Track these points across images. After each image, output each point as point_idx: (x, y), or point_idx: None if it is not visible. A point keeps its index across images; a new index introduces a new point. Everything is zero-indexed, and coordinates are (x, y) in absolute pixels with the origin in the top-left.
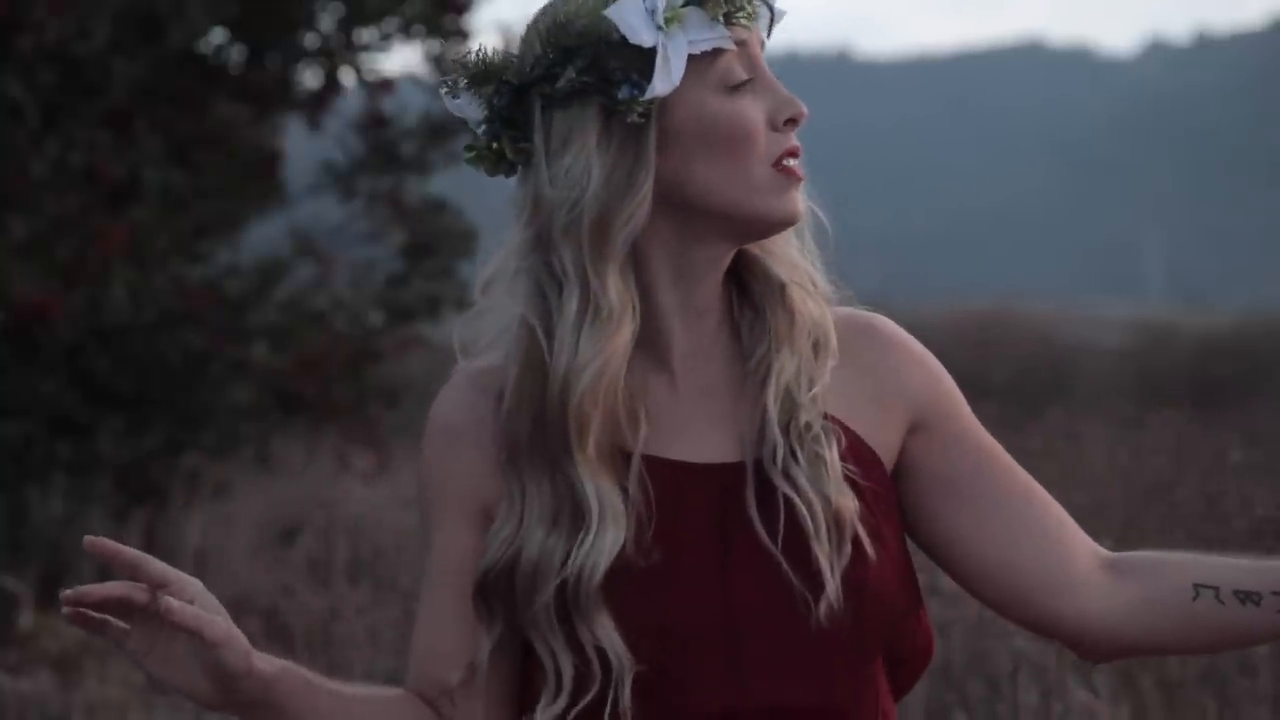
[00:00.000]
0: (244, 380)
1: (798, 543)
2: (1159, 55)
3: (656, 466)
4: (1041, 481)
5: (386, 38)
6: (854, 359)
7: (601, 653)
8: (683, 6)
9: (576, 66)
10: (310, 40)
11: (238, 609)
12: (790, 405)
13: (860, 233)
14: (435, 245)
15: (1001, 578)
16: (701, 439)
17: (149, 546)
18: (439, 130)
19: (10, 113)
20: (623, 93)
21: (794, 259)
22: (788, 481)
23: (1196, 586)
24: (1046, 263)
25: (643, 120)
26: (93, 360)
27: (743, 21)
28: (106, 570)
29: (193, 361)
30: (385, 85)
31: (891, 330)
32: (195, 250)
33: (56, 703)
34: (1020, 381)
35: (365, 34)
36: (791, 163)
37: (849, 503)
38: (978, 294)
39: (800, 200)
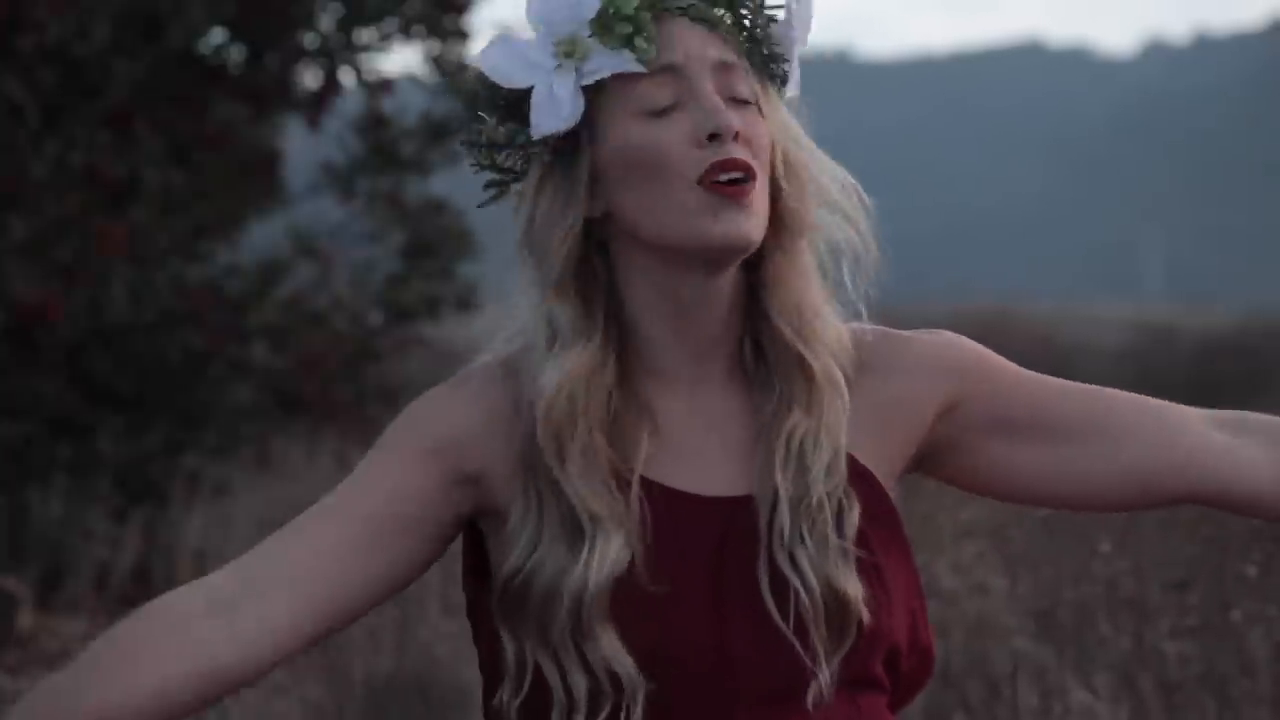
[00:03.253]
0: (244, 380)
1: (798, 621)
2: (1158, 55)
3: (656, 492)
4: None
5: (386, 38)
6: (868, 378)
7: (612, 674)
8: (589, 37)
9: (496, 115)
10: (310, 40)
11: None
12: (802, 480)
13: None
14: (435, 245)
15: (1126, 485)
16: (709, 470)
17: (149, 547)
18: (439, 130)
19: (10, 113)
20: (520, 137)
21: (799, 294)
22: (791, 564)
23: None
24: (1046, 263)
25: (571, 157)
26: (93, 360)
27: (641, 46)
28: (106, 570)
29: (193, 361)
30: (385, 85)
31: (898, 340)
32: (195, 250)
33: None
34: None
35: (365, 34)
36: (723, 177)
37: (854, 589)
38: (978, 294)
39: (742, 222)
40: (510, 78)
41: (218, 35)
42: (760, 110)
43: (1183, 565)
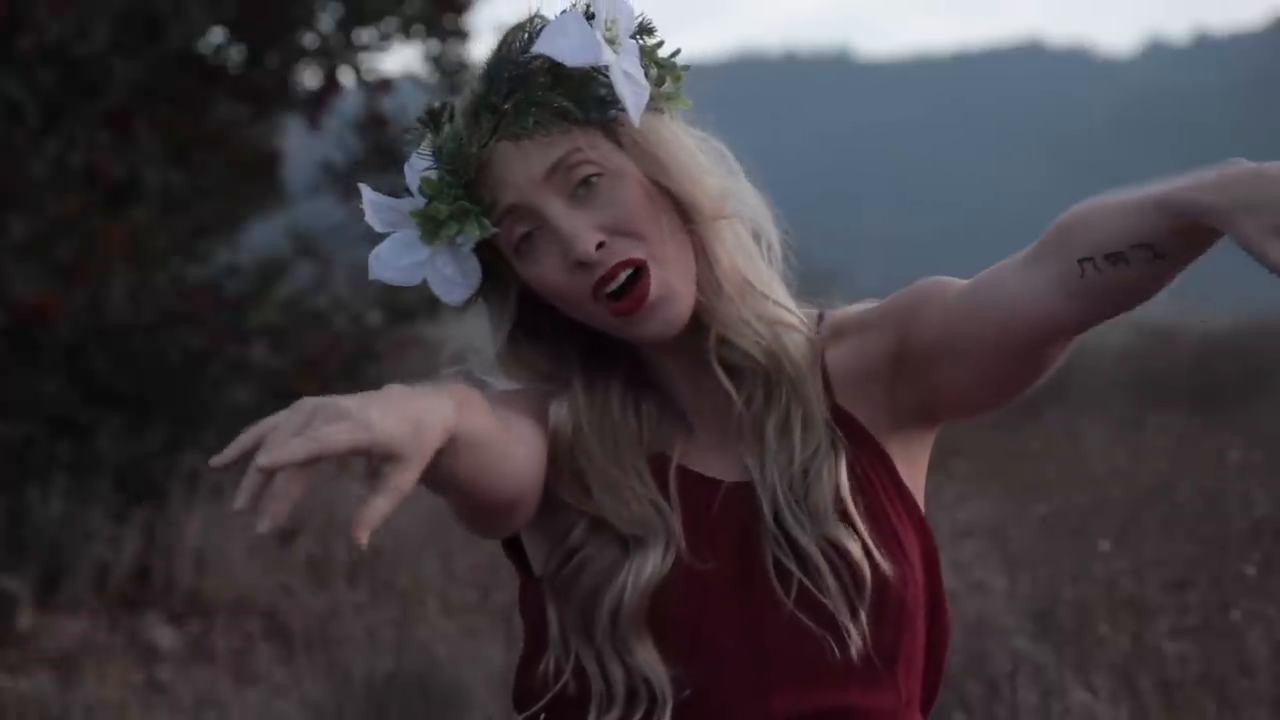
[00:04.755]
0: (244, 380)
1: (816, 597)
2: (1158, 55)
3: (690, 480)
4: (1041, 481)
5: (386, 37)
6: (847, 341)
7: (647, 680)
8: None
9: None
10: (309, 40)
11: (237, 609)
12: (787, 462)
13: (860, 232)
14: None
15: (1007, 363)
16: (722, 456)
17: (149, 546)
18: None
19: (10, 113)
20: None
21: (738, 273)
22: (795, 544)
23: (1080, 262)
24: None
25: (495, 287)
26: (93, 360)
27: (472, 229)
28: (106, 570)
29: (193, 361)
30: (385, 85)
31: (837, 320)
32: (195, 250)
33: (56, 703)
34: None
35: (365, 34)
36: (613, 290)
37: (855, 546)
38: None
39: (659, 319)
40: (404, 280)
41: (217, 35)
42: (618, 165)
43: (1182, 565)
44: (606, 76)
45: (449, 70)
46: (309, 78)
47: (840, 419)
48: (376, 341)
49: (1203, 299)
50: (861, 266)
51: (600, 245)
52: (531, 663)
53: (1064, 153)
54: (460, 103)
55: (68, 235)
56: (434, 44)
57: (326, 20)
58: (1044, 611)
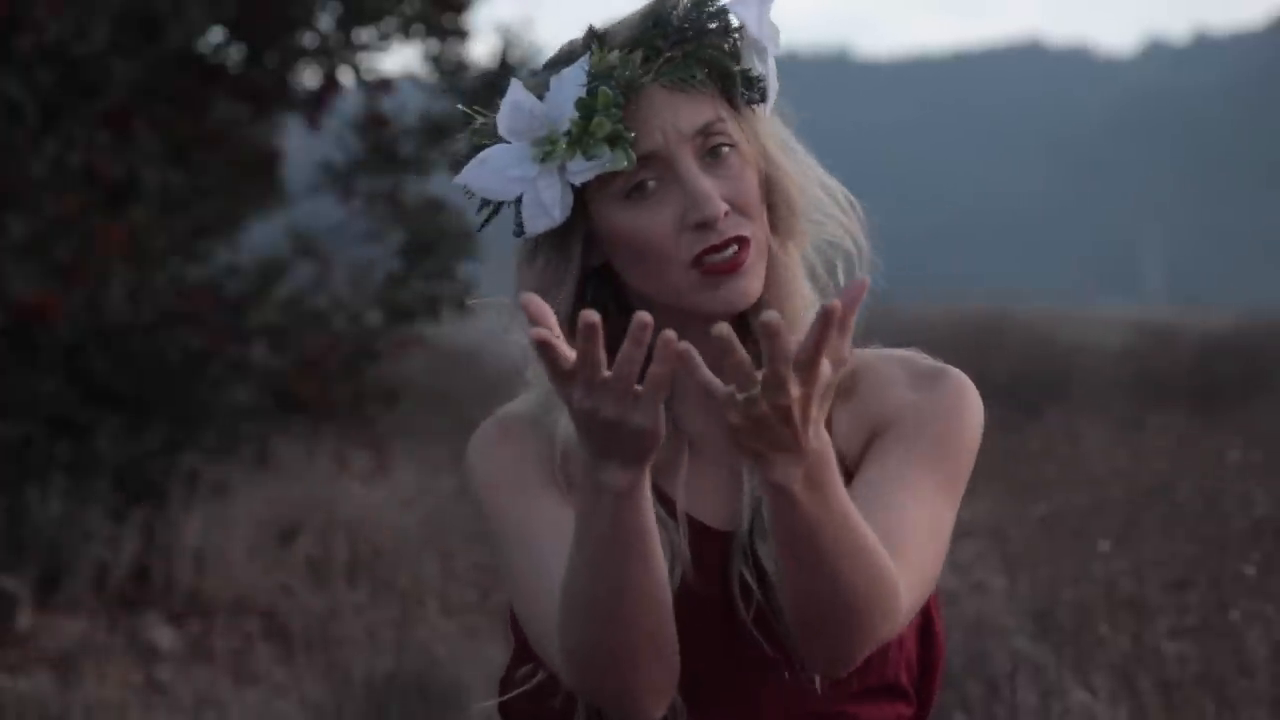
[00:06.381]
0: (243, 380)
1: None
2: (1158, 55)
3: (694, 527)
4: (1041, 481)
5: (385, 37)
6: (862, 394)
7: None
8: (567, 147)
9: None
10: (309, 40)
11: (237, 609)
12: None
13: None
14: (434, 245)
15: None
16: (713, 500)
17: (148, 546)
18: (438, 130)
19: (9, 113)
20: (515, 231)
21: (781, 310)
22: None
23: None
24: (1046, 263)
25: (564, 229)
26: (92, 360)
27: (619, 155)
28: (105, 570)
29: (192, 361)
30: (384, 85)
31: (858, 367)
32: (195, 250)
33: (55, 703)
34: (1020, 381)
35: (364, 33)
36: (716, 259)
37: None
38: (977, 294)
39: (742, 287)
40: (497, 193)
41: (217, 35)
42: (745, 147)
43: (1182, 565)
44: (762, 60)
45: (448, 70)
46: (309, 77)
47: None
48: (376, 341)
49: (1203, 299)
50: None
51: (726, 214)
52: (521, 661)
53: (1063, 153)
54: (614, 35)
55: (67, 235)
56: (433, 44)
57: (326, 20)
58: (1044, 611)
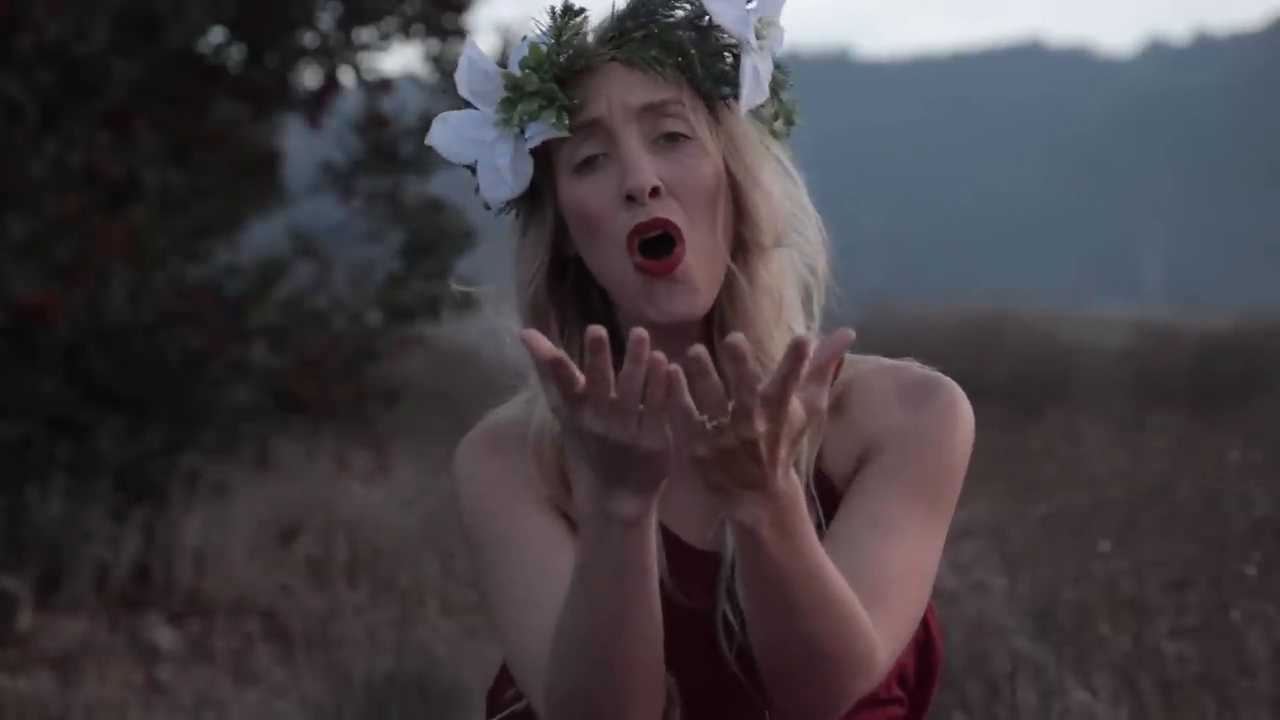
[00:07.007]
0: (243, 380)
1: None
2: (1158, 55)
3: (670, 541)
4: (1041, 481)
5: (386, 37)
6: (852, 408)
7: None
8: (502, 104)
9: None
10: (309, 40)
11: (237, 609)
12: None
13: (860, 232)
14: (434, 245)
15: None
16: (692, 516)
17: (149, 546)
18: None
19: (10, 113)
20: (485, 205)
21: (758, 320)
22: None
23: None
24: (1046, 263)
25: (539, 205)
26: (92, 360)
27: (551, 117)
28: (106, 570)
29: (192, 361)
30: (385, 85)
31: (849, 379)
32: (195, 250)
33: (56, 703)
34: (1020, 381)
35: (364, 33)
36: (652, 259)
37: None
38: (977, 294)
39: (678, 295)
40: (456, 154)
41: (217, 35)
42: (706, 140)
43: (1182, 565)
44: (737, 58)
45: (449, 70)
46: (309, 77)
47: (819, 479)
48: (376, 341)
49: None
50: (861, 266)
51: (655, 192)
52: (508, 683)
53: (1063, 153)
54: (592, 18)
55: (67, 235)
56: (434, 44)
57: (326, 20)
58: (1044, 611)
